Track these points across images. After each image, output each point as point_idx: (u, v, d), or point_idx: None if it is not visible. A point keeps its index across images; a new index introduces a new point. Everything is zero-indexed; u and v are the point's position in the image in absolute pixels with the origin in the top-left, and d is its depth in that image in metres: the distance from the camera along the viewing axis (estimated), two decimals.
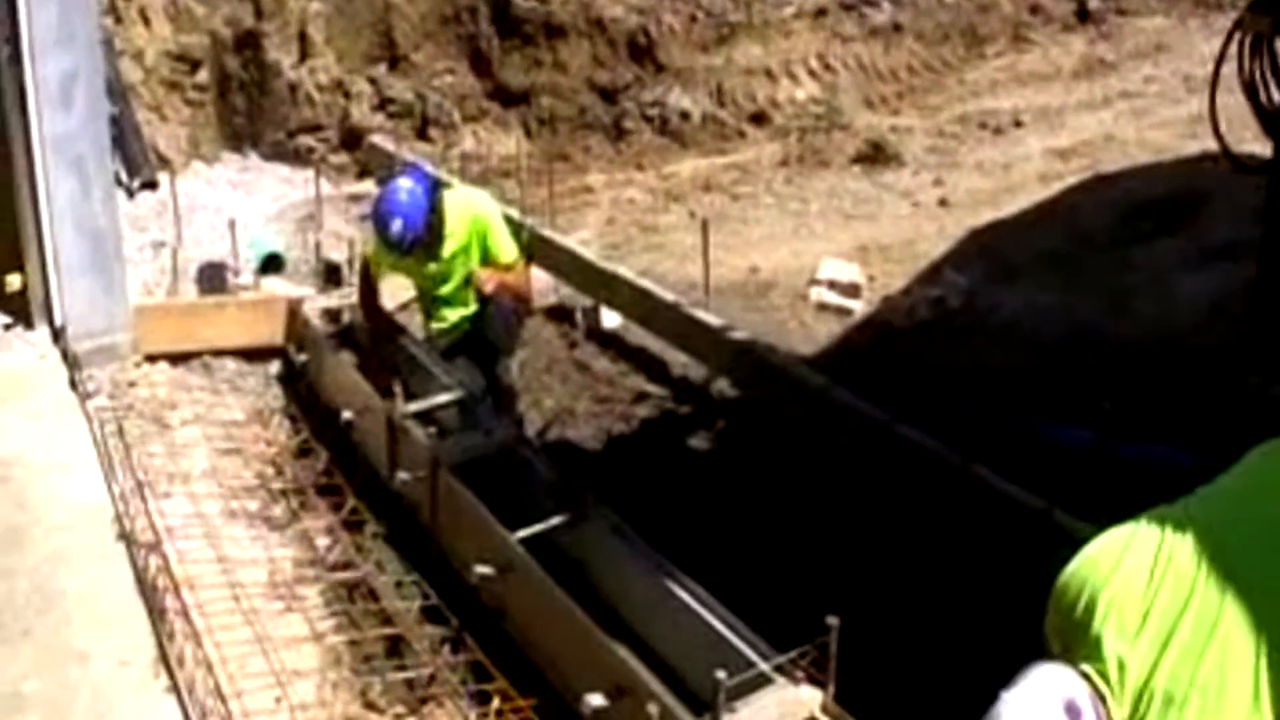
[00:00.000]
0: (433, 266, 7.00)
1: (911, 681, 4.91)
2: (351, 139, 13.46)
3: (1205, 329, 7.73)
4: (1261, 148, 6.78)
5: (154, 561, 5.62)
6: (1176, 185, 10.22)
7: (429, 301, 7.37)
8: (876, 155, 12.08)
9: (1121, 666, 2.98)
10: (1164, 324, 7.97)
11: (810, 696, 4.35)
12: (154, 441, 7.04)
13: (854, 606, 4.53)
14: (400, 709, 5.05)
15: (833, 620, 4.21)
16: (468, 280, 7.06)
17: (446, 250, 6.93)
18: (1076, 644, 3.10)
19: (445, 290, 7.15)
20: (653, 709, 4.15)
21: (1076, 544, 3.34)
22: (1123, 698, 2.96)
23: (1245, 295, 7.19)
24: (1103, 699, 2.98)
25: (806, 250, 10.05)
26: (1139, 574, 3.10)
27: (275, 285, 9.30)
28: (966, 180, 11.51)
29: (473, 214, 6.99)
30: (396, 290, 7.90)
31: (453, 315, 7.23)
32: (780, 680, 4.39)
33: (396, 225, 6.64)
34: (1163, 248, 9.28)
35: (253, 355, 8.28)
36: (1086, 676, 3.01)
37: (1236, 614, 2.99)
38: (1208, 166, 9.24)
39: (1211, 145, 7.34)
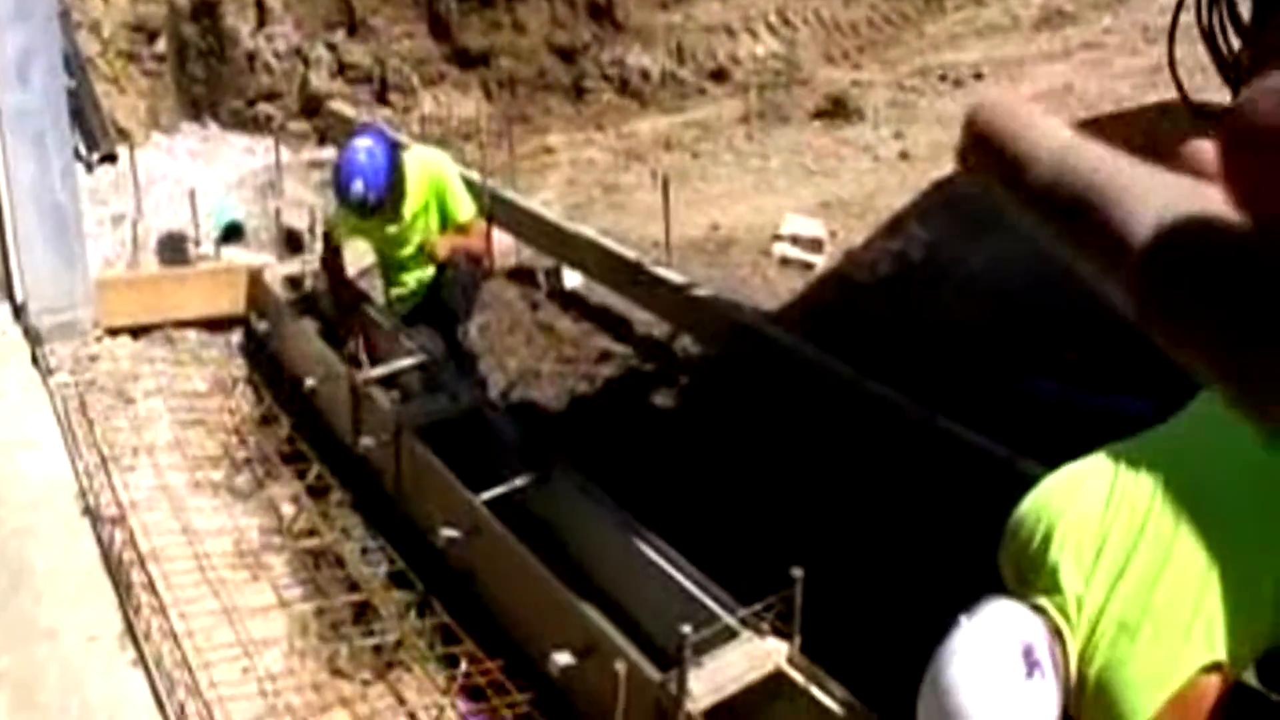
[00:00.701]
0: (393, 229, 7.00)
1: (878, 632, 4.92)
2: (311, 106, 13.39)
3: None
4: (1221, 96, 6.78)
5: (119, 535, 5.59)
6: (1138, 136, 10.22)
7: (388, 267, 7.39)
8: (837, 110, 12.05)
9: (1079, 601, 3.01)
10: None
11: (776, 648, 4.36)
12: (117, 415, 7.00)
13: (821, 560, 4.54)
14: (368, 675, 5.06)
15: (797, 572, 4.22)
16: (426, 243, 7.07)
17: (407, 209, 6.93)
18: (1032, 576, 3.13)
19: (404, 253, 7.17)
20: (619, 666, 4.16)
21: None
22: (1079, 628, 3.00)
23: None
24: (1059, 633, 3.01)
25: (768, 206, 10.03)
26: (1094, 507, 3.13)
27: (236, 254, 9.26)
28: (927, 133, 11.48)
29: (430, 172, 7.01)
30: (356, 258, 7.87)
31: (411, 280, 7.26)
32: (746, 633, 4.41)
33: (358, 185, 6.63)
34: None
35: (215, 325, 8.24)
36: (1042, 610, 3.04)
37: (1188, 543, 3.02)
38: (1169, 116, 9.25)
39: (1172, 95, 7.34)
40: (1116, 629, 2.95)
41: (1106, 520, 3.10)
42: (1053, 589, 3.06)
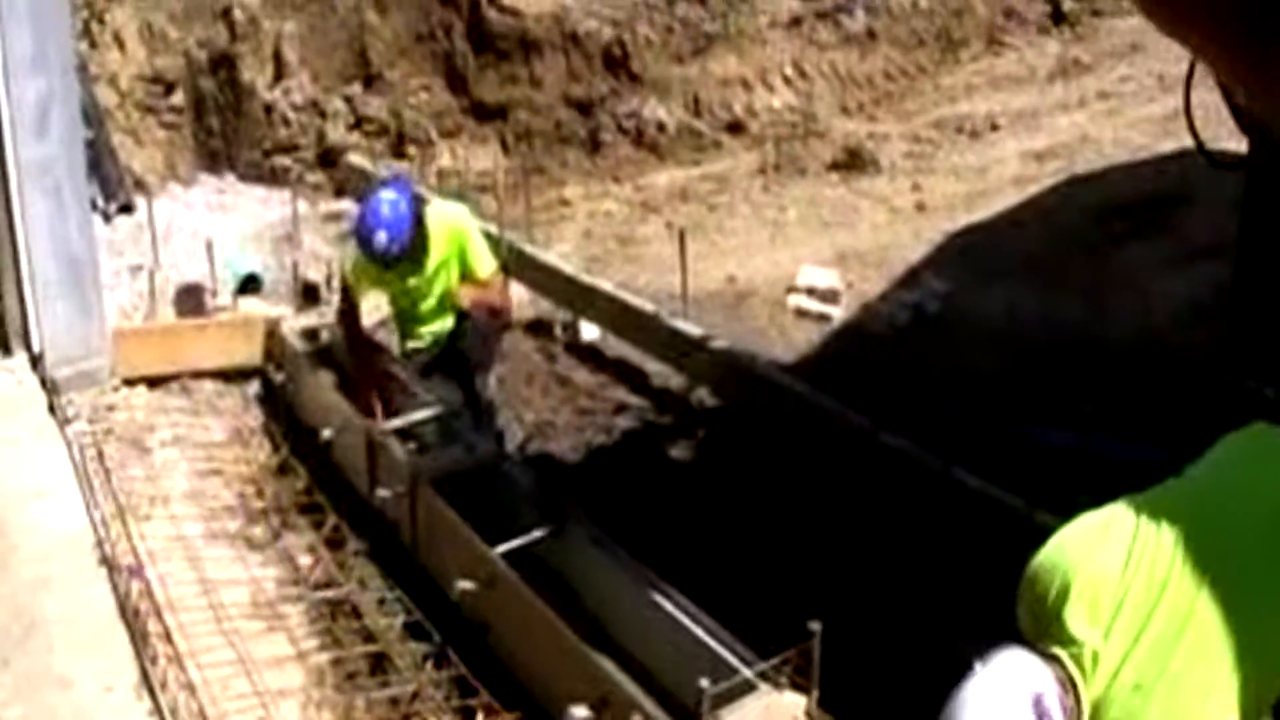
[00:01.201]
0: (413, 281, 7.01)
1: (895, 686, 4.89)
2: (328, 158, 13.46)
3: (1185, 329, 7.74)
4: (1237, 145, 6.78)
5: (135, 585, 5.59)
6: (1153, 185, 10.24)
7: (406, 319, 7.38)
8: (853, 162, 12.08)
9: (1095, 656, 2.98)
10: (1143, 324, 7.98)
11: (794, 702, 4.34)
12: (134, 465, 7.02)
13: (838, 612, 4.52)
14: None
15: (815, 625, 4.20)
16: (446, 296, 7.07)
17: (428, 264, 6.94)
18: (1049, 627, 3.10)
19: (424, 307, 7.17)
20: (636, 719, 4.13)
21: None
22: (1094, 681, 2.97)
23: (1224, 295, 7.19)
24: (1073, 684, 2.99)
25: (784, 258, 10.05)
26: (1114, 561, 3.10)
27: (253, 306, 9.29)
28: (943, 185, 11.52)
29: (453, 227, 7.01)
30: (370, 310, 7.88)
31: (429, 332, 7.24)
32: (764, 687, 4.39)
33: (381, 236, 6.64)
34: (1141, 247, 9.29)
35: (231, 376, 8.25)
36: (1058, 660, 3.02)
37: (1208, 605, 3.00)
38: (1184, 165, 9.27)
39: (1187, 143, 7.35)
40: (1132, 689, 2.93)
41: (1127, 576, 3.08)
42: (1069, 641, 3.04)
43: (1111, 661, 2.99)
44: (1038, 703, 2.90)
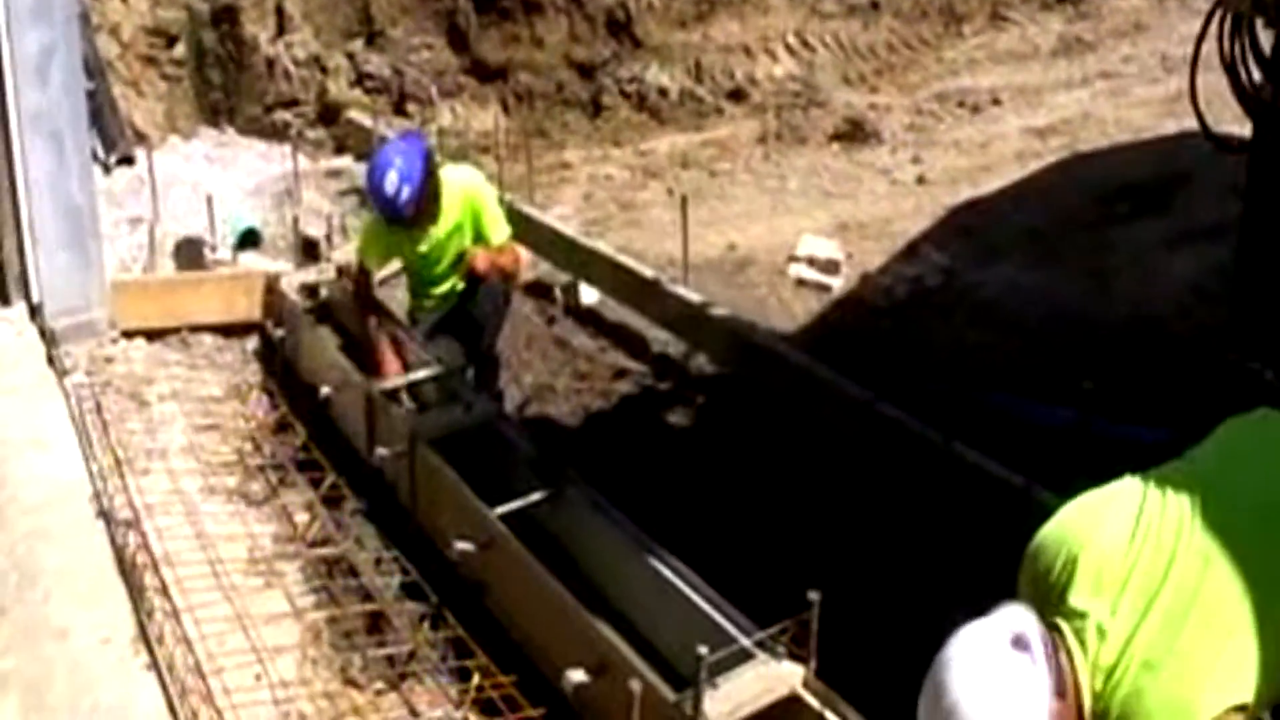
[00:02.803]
0: (425, 245, 7.00)
1: (893, 657, 4.91)
2: (329, 114, 13.44)
3: (1186, 309, 7.76)
4: (1241, 128, 6.78)
5: (133, 538, 5.60)
6: (1155, 165, 10.23)
7: (417, 281, 7.39)
8: (855, 133, 12.08)
9: (1101, 630, 2.99)
10: (1145, 304, 7.99)
11: (792, 672, 4.36)
12: (132, 418, 7.01)
13: (836, 582, 4.53)
14: (380, 685, 5.04)
15: (814, 595, 4.22)
16: (458, 259, 7.05)
17: (441, 228, 6.93)
18: (1052, 602, 3.11)
19: (437, 270, 7.16)
20: (634, 685, 4.15)
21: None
22: (1101, 657, 2.98)
23: (1225, 276, 7.20)
24: (1068, 652, 3.00)
25: (785, 227, 10.05)
26: (1120, 537, 3.11)
27: (253, 261, 9.27)
28: (944, 158, 11.51)
29: (467, 191, 7.02)
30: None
31: (441, 292, 7.24)
32: (762, 656, 4.40)
33: (391, 180, 6.62)
34: (1143, 227, 9.30)
35: (230, 331, 8.24)
36: (1059, 630, 3.03)
37: (1216, 582, 3.01)
38: (1187, 146, 9.26)
39: (1190, 124, 7.35)
40: (1141, 666, 2.94)
41: (1133, 552, 3.08)
42: (1073, 615, 3.05)
43: (1120, 635, 3.00)
44: (1018, 640, 2.92)
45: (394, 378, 6.83)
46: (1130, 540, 3.11)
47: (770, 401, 7.24)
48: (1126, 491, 3.27)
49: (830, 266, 9.09)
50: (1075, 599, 3.07)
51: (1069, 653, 3.01)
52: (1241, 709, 2.91)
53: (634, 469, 6.57)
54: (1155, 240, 9.03)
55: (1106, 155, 10.98)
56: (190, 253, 9.30)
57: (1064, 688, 2.94)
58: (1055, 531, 3.23)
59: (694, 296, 8.02)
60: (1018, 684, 2.88)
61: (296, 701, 4.88)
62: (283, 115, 13.49)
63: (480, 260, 6.97)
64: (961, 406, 6.79)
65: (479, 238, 7.05)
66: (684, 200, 8.49)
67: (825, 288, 8.92)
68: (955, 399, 6.92)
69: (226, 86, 13.73)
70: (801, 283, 9.00)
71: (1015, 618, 3.00)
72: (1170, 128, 10.76)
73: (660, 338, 8.27)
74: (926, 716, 2.97)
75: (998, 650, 2.91)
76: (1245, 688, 2.93)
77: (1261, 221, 6.58)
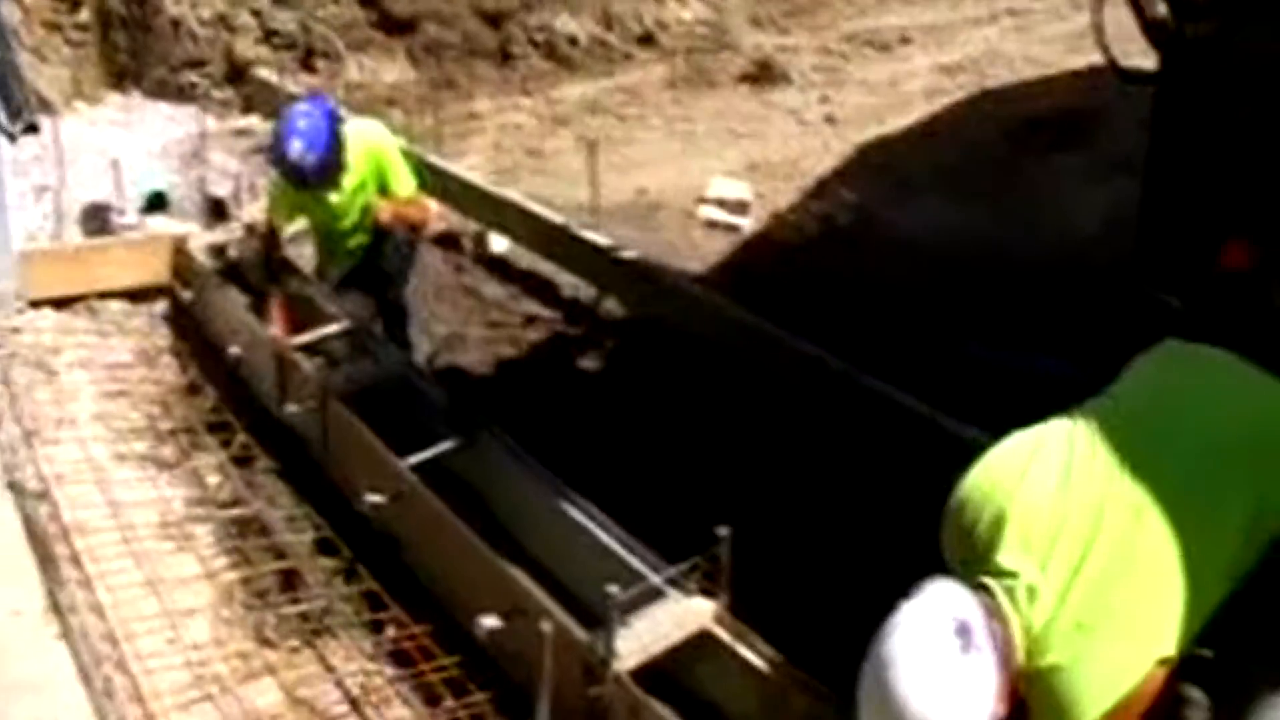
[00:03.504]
0: (333, 199, 6.95)
1: (806, 591, 4.95)
2: (236, 73, 13.26)
3: (1101, 243, 7.80)
4: (1148, 61, 6.81)
5: (43, 509, 5.56)
6: (1062, 100, 10.29)
7: (326, 238, 7.35)
8: (764, 75, 12.09)
9: (1032, 590, 2.96)
10: (1059, 238, 8.05)
11: (703, 608, 4.37)
12: (40, 388, 6.94)
13: (748, 519, 4.54)
14: (295, 642, 5.01)
15: (723, 531, 4.22)
16: (365, 214, 7.03)
17: (347, 183, 6.90)
18: (981, 556, 3.07)
19: (343, 225, 7.13)
20: (546, 626, 4.15)
21: (964, 450, 3.34)
22: (1031, 617, 2.95)
23: (1133, 209, 7.25)
24: (1001, 614, 2.97)
25: (695, 170, 10.06)
26: (1047, 489, 3.06)
27: (160, 224, 9.16)
28: (854, 97, 11.54)
29: (371, 147, 6.99)
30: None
31: (348, 248, 7.21)
32: (673, 593, 4.41)
33: (296, 145, 6.58)
34: (1054, 161, 9.36)
35: (139, 296, 8.13)
36: (987, 590, 2.99)
37: (1148, 535, 2.97)
38: (1099, 82, 9.31)
39: (1097, 60, 7.38)
40: (1073, 627, 2.91)
41: (1062, 504, 3.02)
42: (1001, 573, 3.01)
43: (1051, 595, 2.95)
44: (963, 629, 2.88)
45: (304, 336, 6.78)
46: (1059, 492, 3.05)
47: (681, 342, 7.24)
48: (1052, 438, 3.20)
49: (740, 207, 9.10)
50: (1004, 557, 3.02)
51: (1002, 617, 2.97)
52: (1166, 661, 2.92)
53: (547, 415, 6.55)
54: (1065, 173, 9.10)
55: (1015, 91, 11.04)
56: (97, 219, 9.16)
57: (1010, 665, 2.93)
58: (979, 484, 3.17)
59: (603, 241, 8.00)
60: (969, 681, 2.85)
61: (211, 663, 4.86)
62: (189, 76, 13.28)
63: (385, 213, 6.96)
64: (872, 340, 6.83)
65: (385, 191, 7.02)
66: (592, 145, 8.47)
67: (735, 228, 8.94)
68: (866, 333, 6.95)
69: (132, 49, 13.49)
70: (712, 224, 9.02)
71: (955, 602, 2.93)
72: (1077, 63, 10.82)
73: (571, 283, 8.26)
74: (873, 715, 2.94)
75: (944, 647, 2.85)
76: (1172, 640, 2.92)
77: (1167, 153, 6.61)
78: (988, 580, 2.98)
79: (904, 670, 2.84)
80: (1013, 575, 2.96)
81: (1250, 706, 3.35)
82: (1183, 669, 3.59)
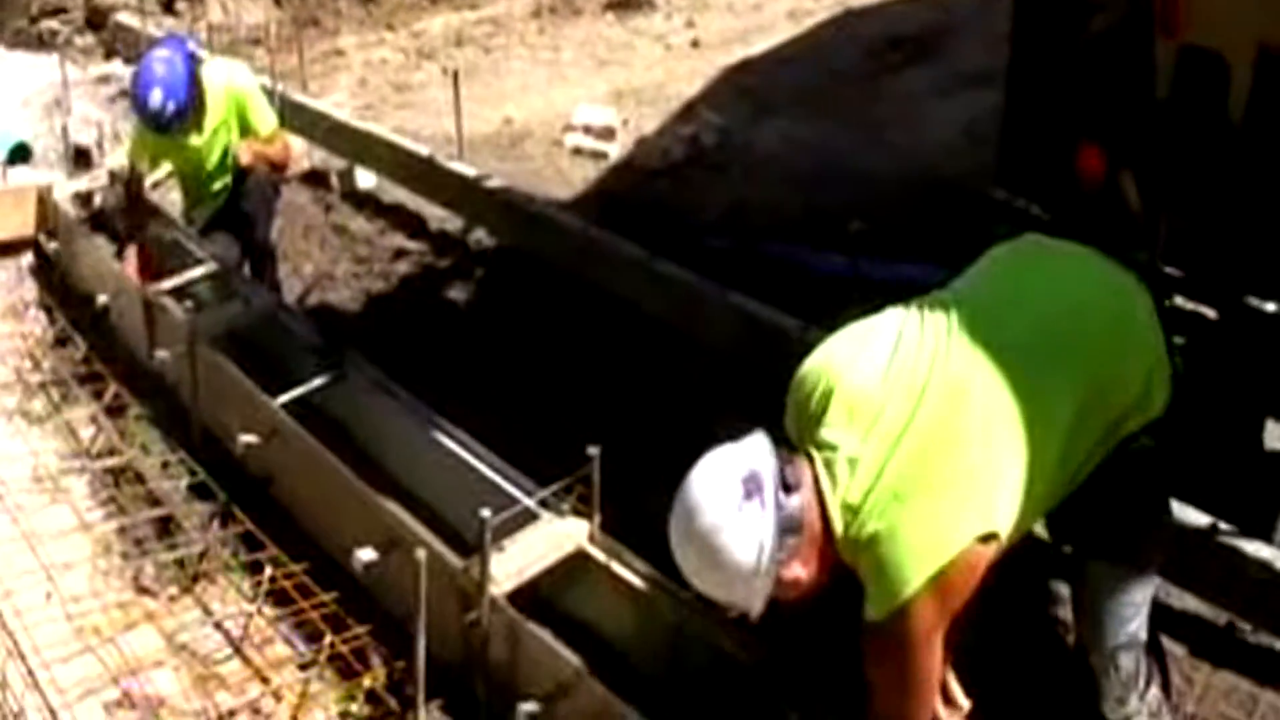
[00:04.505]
0: (195, 141, 6.94)
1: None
2: (96, 19, 13.07)
3: (957, 155, 7.91)
4: None
5: None
6: (926, 18, 10.39)
7: (189, 181, 7.32)
8: (628, 1, 12.07)
9: (851, 463, 3.09)
10: (917, 152, 8.15)
11: (577, 528, 4.42)
12: None
13: (619, 440, 4.58)
14: (173, 590, 5.00)
15: (593, 450, 4.26)
16: (226, 155, 6.99)
17: (208, 124, 6.86)
18: (810, 430, 3.20)
19: (206, 167, 7.10)
20: (419, 554, 4.18)
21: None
22: (851, 488, 3.07)
23: (995, 121, 7.35)
24: (816, 482, 3.09)
25: (561, 98, 10.06)
26: (874, 369, 3.20)
27: (23, 176, 9.01)
28: (718, 21, 11.59)
29: (230, 87, 6.99)
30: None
31: (212, 190, 7.17)
32: (546, 515, 4.46)
33: (155, 95, 6.59)
34: (914, 77, 9.47)
35: (4, 249, 8.02)
36: (811, 460, 3.12)
37: (967, 413, 3.09)
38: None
39: None
40: (891, 497, 3.02)
41: (887, 382, 3.15)
42: (825, 445, 3.14)
43: (871, 467, 3.08)
44: (751, 478, 3.02)
45: (170, 280, 6.73)
46: (885, 371, 3.19)
47: (550, 269, 7.26)
48: (886, 322, 3.34)
49: (606, 133, 9.12)
50: (827, 431, 3.16)
51: (817, 483, 3.10)
52: (991, 538, 3.02)
53: (418, 347, 6.56)
54: (925, 89, 9.20)
55: (877, 10, 11.11)
56: None
57: (797, 525, 3.04)
58: (816, 363, 3.32)
59: (470, 171, 7.98)
60: (743, 528, 2.99)
61: (89, 615, 4.83)
62: (49, 24, 13.10)
63: (245, 152, 6.95)
64: (738, 259, 6.88)
65: (246, 131, 6.99)
66: (455, 76, 8.41)
67: (602, 155, 8.96)
68: (731, 252, 7.01)
69: None
70: (578, 151, 9.03)
71: (751, 452, 3.09)
72: None
73: (438, 215, 8.24)
74: (674, 553, 3.10)
75: (728, 492, 3.01)
76: (995, 517, 3.02)
77: (1027, 62, 6.71)
78: (811, 450, 3.12)
79: (688, 506, 3.08)
80: (833, 447, 3.10)
81: (1103, 599, 3.49)
82: (1047, 565, 3.73)
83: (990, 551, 3.02)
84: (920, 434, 3.06)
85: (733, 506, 3.01)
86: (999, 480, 3.03)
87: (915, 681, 3.10)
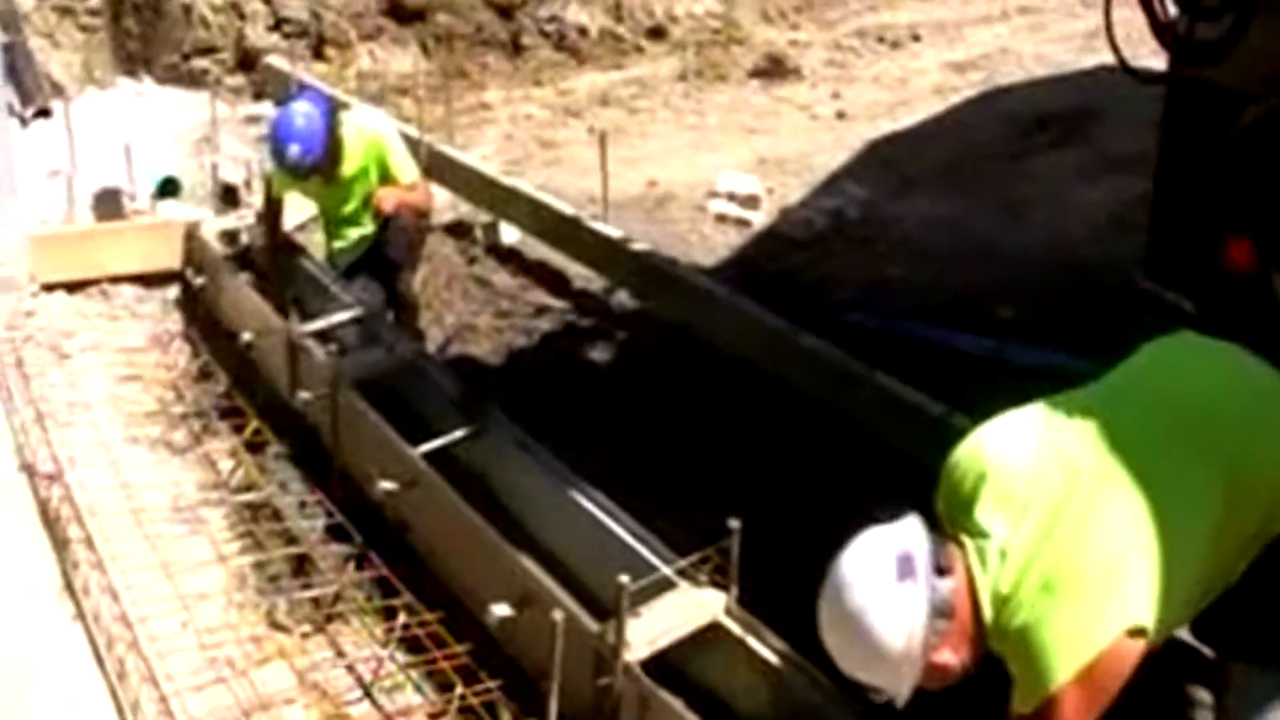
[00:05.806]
0: (331, 188, 7.03)
1: (816, 585, 4.96)
2: (247, 60, 13.29)
3: (1102, 240, 7.85)
4: (1158, 62, 6.85)
5: (56, 491, 5.59)
6: (1073, 99, 10.35)
7: (330, 221, 7.41)
8: (774, 69, 12.14)
9: (1003, 552, 3.06)
10: (1060, 235, 8.10)
11: (714, 599, 4.40)
12: (53, 371, 6.98)
13: (759, 512, 4.56)
14: (306, 628, 5.04)
15: (734, 523, 4.25)
16: (368, 200, 7.09)
17: (345, 172, 6.97)
18: (961, 517, 3.19)
19: (346, 210, 7.22)
20: (557, 616, 4.18)
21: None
22: (1003, 576, 3.05)
23: (1141, 207, 7.28)
24: (968, 569, 3.07)
25: (704, 163, 10.09)
26: (1025, 458, 3.18)
27: (172, 209, 9.19)
28: (864, 93, 11.59)
29: (370, 136, 7.09)
30: (297, 210, 7.87)
31: (353, 234, 7.28)
32: (683, 584, 4.44)
33: (294, 150, 6.77)
34: (1059, 160, 9.41)
35: (150, 281, 8.18)
36: (962, 546, 3.10)
37: (1118, 505, 3.06)
38: (1103, 80, 9.34)
39: (1106, 59, 7.43)
40: (1040, 588, 2.99)
41: (1037, 474, 3.14)
42: (978, 533, 3.12)
43: (1021, 556, 3.05)
44: (905, 558, 3.01)
45: (317, 321, 6.82)
46: (1035, 461, 3.17)
47: (691, 336, 7.27)
48: (1036, 412, 3.34)
49: (750, 201, 9.14)
50: (981, 516, 3.14)
51: (969, 570, 3.08)
52: (1139, 632, 2.97)
53: (557, 405, 6.59)
54: (1072, 172, 9.14)
55: (1024, 89, 11.09)
56: (109, 203, 9.19)
57: (949, 609, 3.02)
58: (966, 451, 3.31)
59: (614, 232, 8.02)
60: (894, 607, 2.97)
61: (223, 646, 4.88)
62: (200, 63, 13.32)
63: (385, 200, 7.06)
64: (879, 337, 6.85)
65: (386, 179, 7.08)
66: (603, 136, 8.48)
67: (745, 222, 8.97)
68: (873, 330, 6.98)
69: (143, 35, 13.52)
70: (722, 218, 9.05)
71: (906, 533, 3.08)
72: (1088, 62, 10.86)
73: (581, 274, 8.28)
74: (822, 631, 3.09)
75: (881, 570, 3.00)
76: (1143, 610, 2.98)
77: (1177, 153, 6.65)
78: (963, 538, 3.10)
79: (839, 583, 3.07)
80: (986, 535, 3.08)
81: (1248, 707, 3.41)
82: (1189, 669, 3.66)
83: (1138, 647, 2.97)
84: (1069, 526, 3.03)
85: (886, 586, 3.00)
86: (1147, 574, 2.99)
87: None
